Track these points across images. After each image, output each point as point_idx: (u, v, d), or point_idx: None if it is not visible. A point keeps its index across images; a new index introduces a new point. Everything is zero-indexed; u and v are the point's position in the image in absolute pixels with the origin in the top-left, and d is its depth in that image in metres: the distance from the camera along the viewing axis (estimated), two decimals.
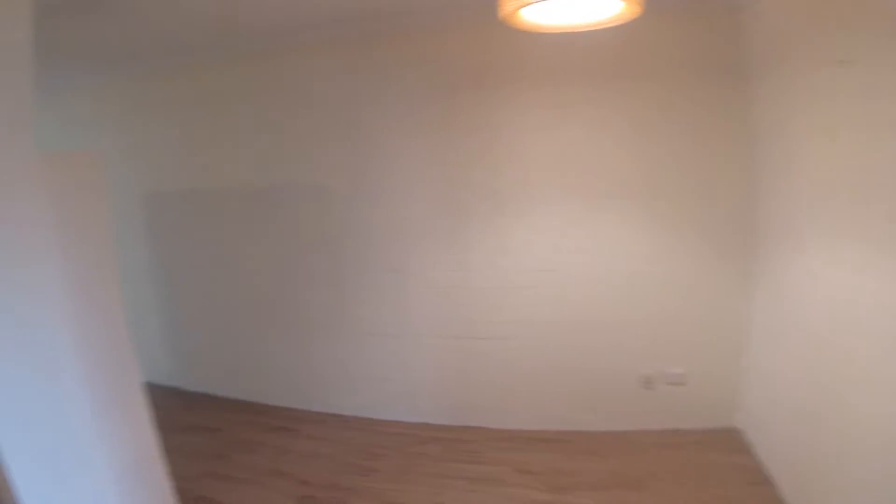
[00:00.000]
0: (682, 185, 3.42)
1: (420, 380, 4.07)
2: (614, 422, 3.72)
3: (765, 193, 3.19)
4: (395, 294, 4.00)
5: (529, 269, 3.68)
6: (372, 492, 3.30)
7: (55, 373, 2.53)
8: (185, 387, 5.02)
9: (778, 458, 3.03)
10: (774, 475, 3.02)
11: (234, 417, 4.41)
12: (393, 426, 4.07)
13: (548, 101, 3.49)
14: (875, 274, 2.05)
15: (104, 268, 2.90)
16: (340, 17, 3.39)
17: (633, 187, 3.48)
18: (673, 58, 3.29)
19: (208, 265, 4.67)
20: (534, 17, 1.80)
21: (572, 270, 3.63)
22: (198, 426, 4.29)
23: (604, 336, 3.66)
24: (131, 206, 4.86)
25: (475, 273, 3.78)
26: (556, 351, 3.75)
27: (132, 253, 4.92)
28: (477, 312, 3.84)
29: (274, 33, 3.63)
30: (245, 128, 4.23)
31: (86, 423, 2.67)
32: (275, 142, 4.13)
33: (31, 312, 2.42)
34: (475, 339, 3.87)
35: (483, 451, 3.66)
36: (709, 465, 3.26)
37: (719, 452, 3.36)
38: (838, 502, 2.33)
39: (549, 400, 3.82)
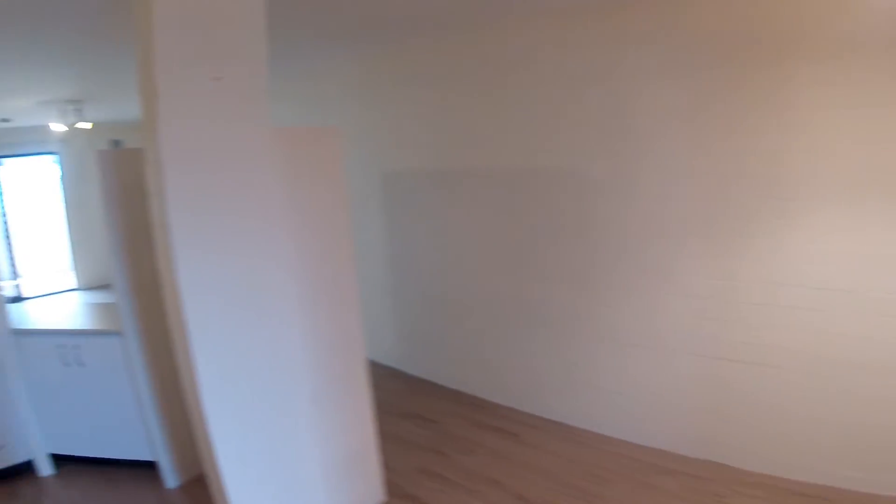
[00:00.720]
0: None
1: (660, 399, 3.56)
2: (887, 485, 2.90)
3: None
4: (646, 299, 3.53)
5: (811, 285, 2.95)
6: None
7: (280, 350, 2.48)
8: (408, 371, 5.08)
9: None
10: None
11: (453, 409, 4.32)
12: (622, 446, 3.63)
13: (848, 76, 2.72)
14: None
15: (339, 242, 2.87)
16: None
17: None
18: None
19: (441, 250, 4.61)
20: None
21: (868, 293, 2.81)
22: (415, 415, 4.27)
23: (893, 381, 2.82)
24: (372, 183, 5.00)
25: (743, 284, 3.15)
26: (828, 389, 2.99)
27: (371, 231, 5.08)
28: (738, 331, 3.21)
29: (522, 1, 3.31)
30: (488, 106, 4.05)
31: (303, 408, 2.61)
32: (520, 121, 3.89)
33: (265, 283, 2.40)
34: (731, 362, 3.25)
35: (728, 495, 3.06)
36: None
37: None
38: None
39: (811, 446, 3.08)
